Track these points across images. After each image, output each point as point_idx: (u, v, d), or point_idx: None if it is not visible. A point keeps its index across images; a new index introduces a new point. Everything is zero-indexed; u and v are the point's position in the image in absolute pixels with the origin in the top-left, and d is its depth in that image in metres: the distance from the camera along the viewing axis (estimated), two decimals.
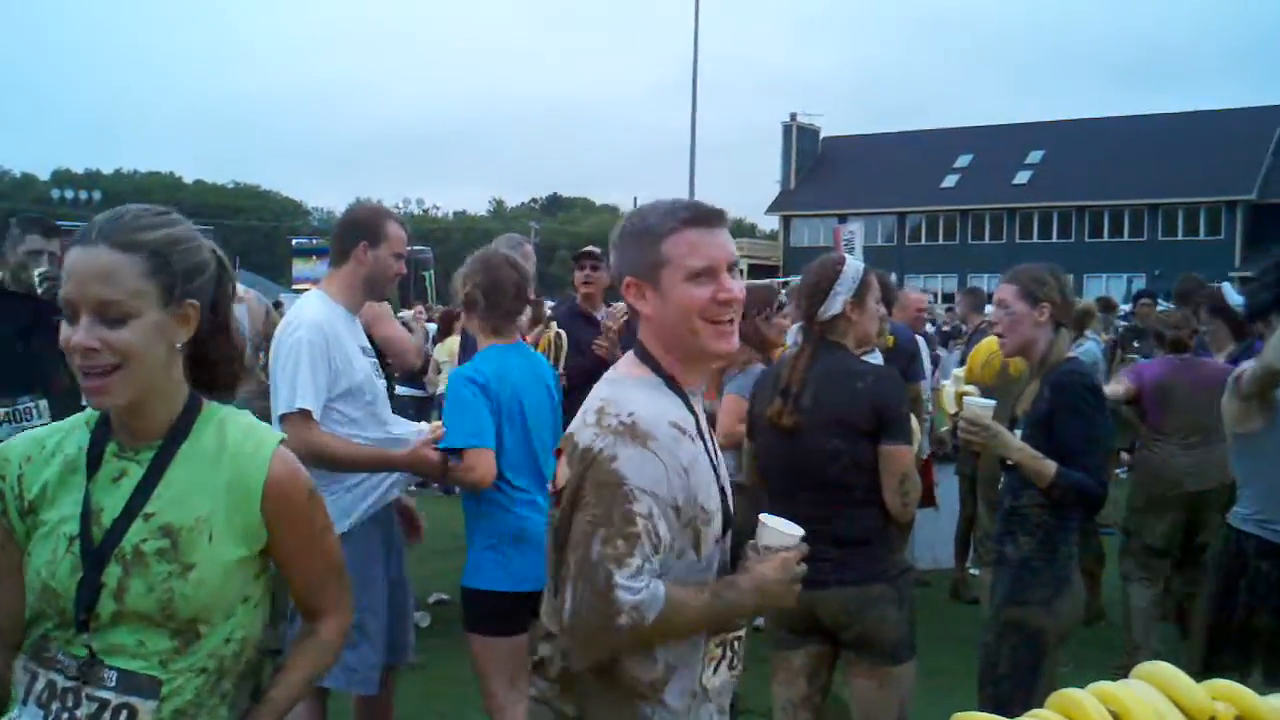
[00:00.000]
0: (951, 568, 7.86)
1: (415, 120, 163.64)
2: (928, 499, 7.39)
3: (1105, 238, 49.37)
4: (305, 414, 3.69)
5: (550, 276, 49.25)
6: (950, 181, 53.58)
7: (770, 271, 44.71)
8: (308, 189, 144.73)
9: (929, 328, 9.99)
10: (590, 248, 7.37)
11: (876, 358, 3.99)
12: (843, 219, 48.58)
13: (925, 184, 53.14)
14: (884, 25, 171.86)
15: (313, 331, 3.78)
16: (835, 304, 3.64)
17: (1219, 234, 47.30)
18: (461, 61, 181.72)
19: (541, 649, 2.20)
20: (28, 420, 4.92)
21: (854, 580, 3.48)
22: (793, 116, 58.19)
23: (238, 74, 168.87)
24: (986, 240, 51.45)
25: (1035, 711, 1.96)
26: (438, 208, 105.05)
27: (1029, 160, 52.48)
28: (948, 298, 36.14)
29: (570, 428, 2.16)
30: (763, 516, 2.25)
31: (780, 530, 2.24)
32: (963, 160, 53.90)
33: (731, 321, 2.17)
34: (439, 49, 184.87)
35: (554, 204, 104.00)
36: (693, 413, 2.21)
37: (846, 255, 3.80)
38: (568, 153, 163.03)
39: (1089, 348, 6.98)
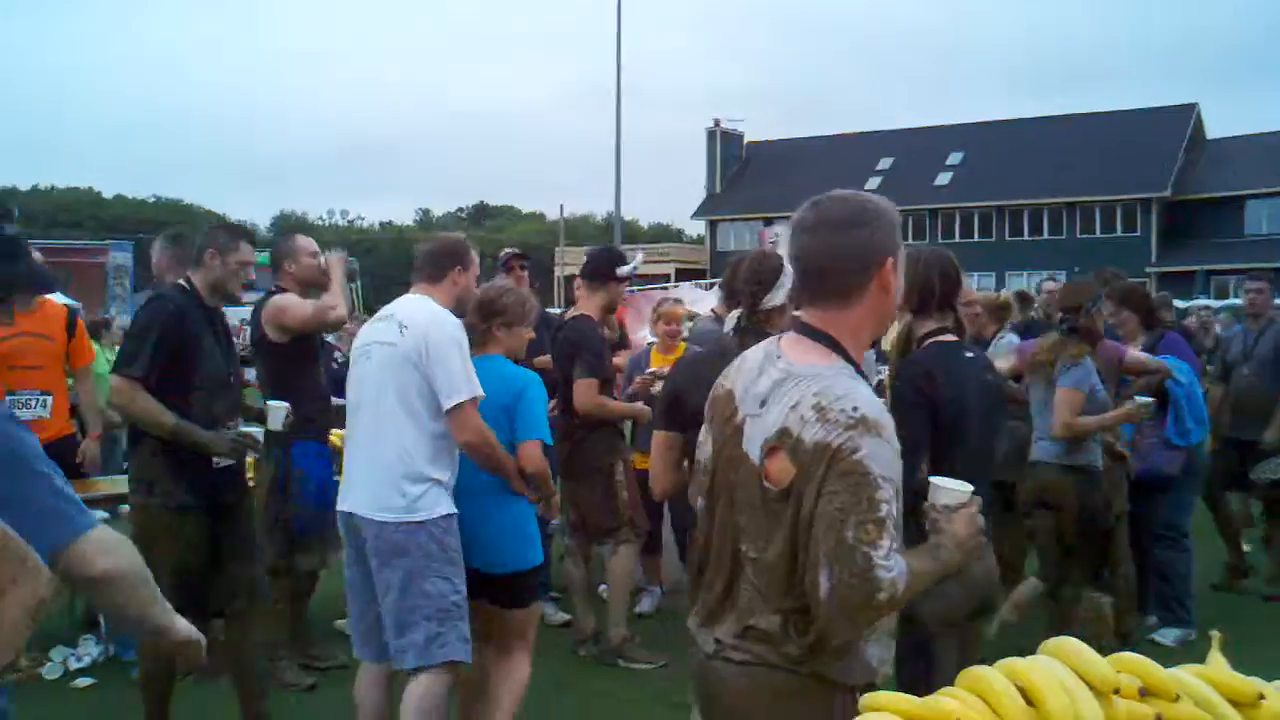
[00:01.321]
0: None
1: (340, 131, 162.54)
2: None
3: (1026, 236, 50.19)
4: (475, 401, 4.17)
5: (480, 284, 48.92)
6: (873, 184, 54.09)
7: (697, 275, 44.90)
8: (231, 202, 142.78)
9: None
10: (516, 250, 7.44)
11: None
12: (768, 222, 48.99)
13: (848, 186, 52.24)
14: (805, 32, 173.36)
15: (460, 330, 4.29)
16: (779, 295, 3.67)
17: (1135, 230, 48.27)
18: (385, 71, 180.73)
19: (767, 620, 2.30)
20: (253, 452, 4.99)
21: None
22: (716, 122, 58.51)
23: (157, 87, 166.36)
24: (910, 240, 51.65)
25: (945, 689, 2.02)
26: (363, 219, 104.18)
27: (950, 162, 53.19)
28: None
29: (781, 425, 2.25)
30: (932, 479, 2.41)
31: (953, 489, 2.42)
32: (884, 163, 54.49)
33: None
34: (362, 59, 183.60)
35: (481, 212, 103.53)
36: None
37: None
38: (494, 161, 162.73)
39: (1010, 339, 7.11)
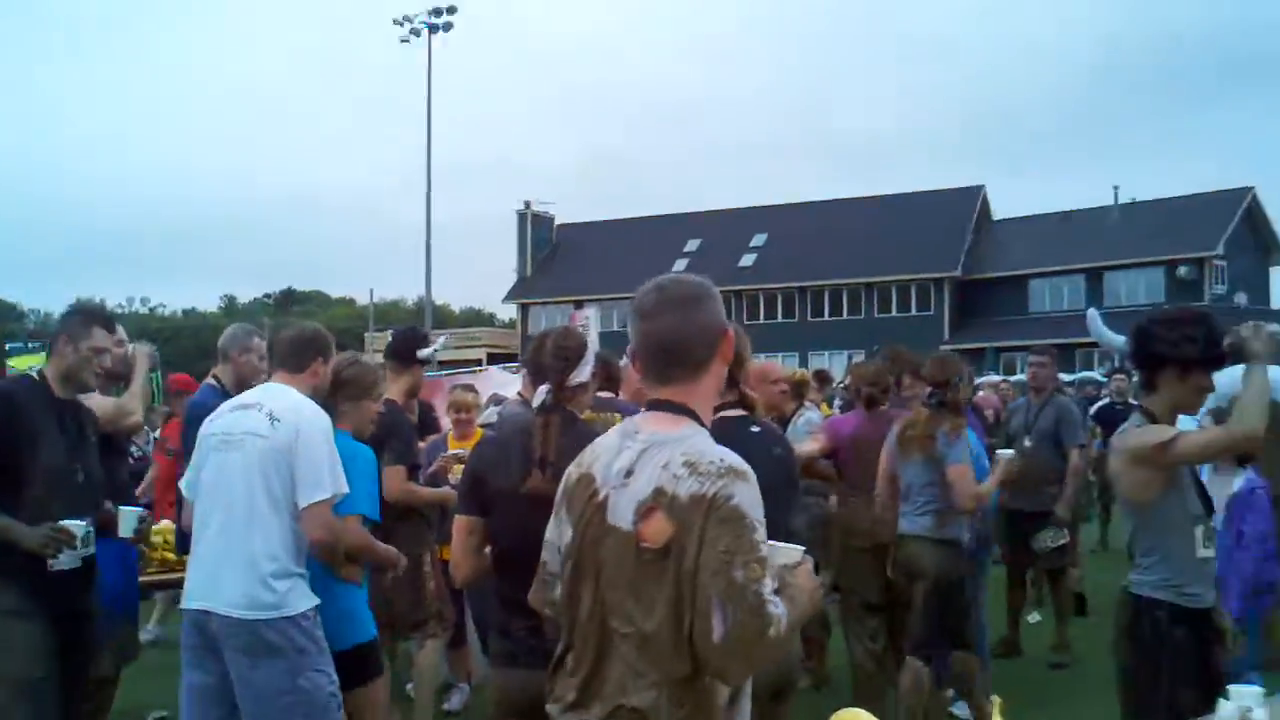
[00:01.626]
0: None
1: (141, 217, 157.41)
2: None
3: (827, 316, 51.83)
4: (335, 499, 4.14)
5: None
6: (680, 265, 54.99)
7: (509, 358, 44.82)
8: (24, 290, 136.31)
9: None
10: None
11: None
12: (579, 305, 49.29)
13: (656, 268, 52.90)
14: (610, 115, 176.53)
15: (329, 425, 4.26)
16: (584, 372, 3.68)
17: (929, 309, 50.35)
18: (186, 155, 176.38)
19: (640, 698, 2.34)
20: (88, 547, 4.42)
21: None
22: (526, 205, 58.89)
23: None
24: None
25: None
26: (164, 306, 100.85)
27: (754, 243, 54.63)
28: None
29: (655, 485, 2.36)
30: (769, 543, 2.40)
31: (788, 549, 2.53)
32: (692, 244, 55.62)
33: None
34: (163, 140, 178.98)
35: (289, 298, 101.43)
36: None
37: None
38: (301, 246, 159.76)
39: (809, 416, 7.32)
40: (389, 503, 5.84)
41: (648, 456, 2.43)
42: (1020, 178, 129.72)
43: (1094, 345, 41.23)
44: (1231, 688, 3.25)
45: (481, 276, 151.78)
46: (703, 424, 2.49)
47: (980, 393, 11.48)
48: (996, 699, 2.49)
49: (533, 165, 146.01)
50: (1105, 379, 19.32)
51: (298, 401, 4.28)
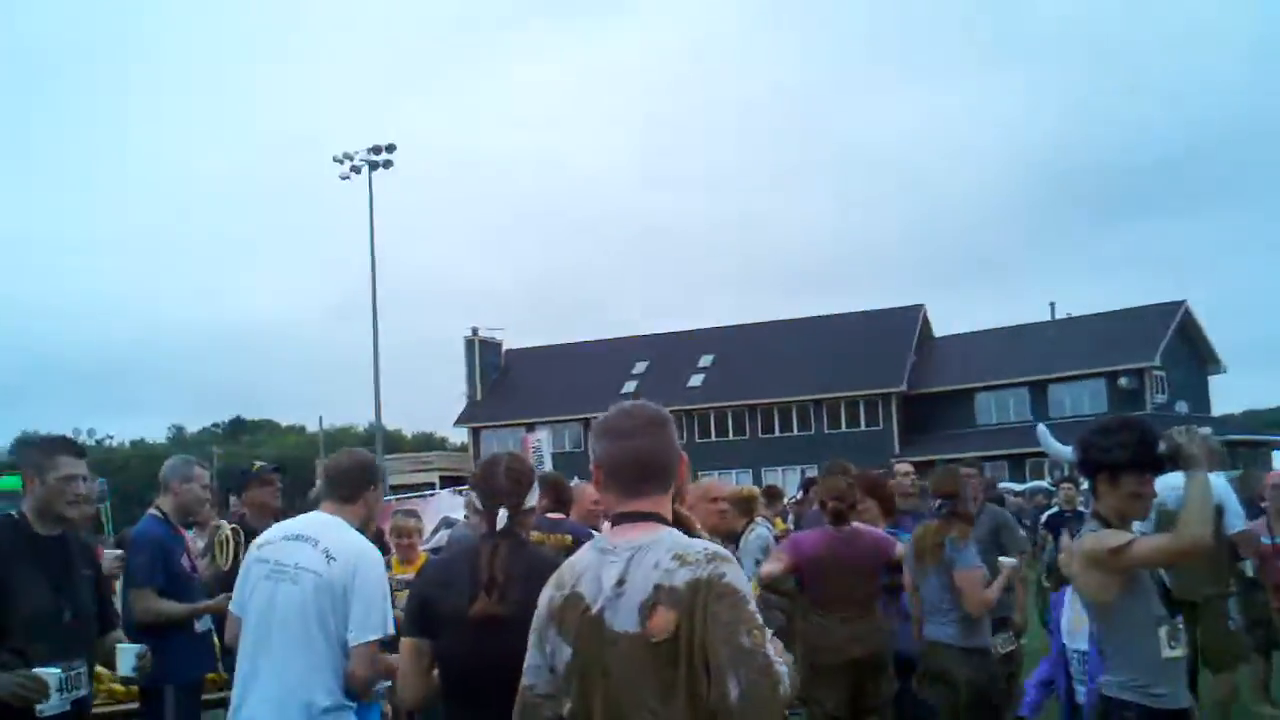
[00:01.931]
0: None
1: (84, 348, 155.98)
2: None
3: (777, 433, 52.09)
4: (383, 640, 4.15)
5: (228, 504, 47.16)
6: (629, 387, 55.41)
7: (461, 481, 44.54)
8: None
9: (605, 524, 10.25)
10: (268, 464, 7.26)
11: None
12: (530, 428, 49.26)
13: (606, 390, 54.50)
14: (555, 239, 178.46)
15: (382, 564, 4.36)
16: (533, 497, 3.74)
17: (877, 424, 50.80)
18: (130, 286, 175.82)
19: None
20: (77, 689, 4.27)
21: None
22: (474, 331, 59.12)
23: None
24: None
25: None
26: (111, 437, 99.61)
27: (701, 364, 55.08)
28: None
29: (654, 583, 2.60)
30: None
31: None
32: (640, 366, 56.00)
33: None
34: (103, 272, 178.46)
35: (238, 428, 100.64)
36: None
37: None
38: (250, 375, 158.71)
39: (760, 532, 7.38)
40: None
41: (636, 563, 2.66)
42: (957, 296, 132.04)
43: (1043, 455, 41.73)
44: None
45: (432, 401, 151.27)
46: (680, 523, 2.80)
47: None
48: None
49: (479, 289, 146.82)
50: (1054, 488, 19.57)
51: (353, 540, 4.26)
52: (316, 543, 4.23)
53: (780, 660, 2.52)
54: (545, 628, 2.80)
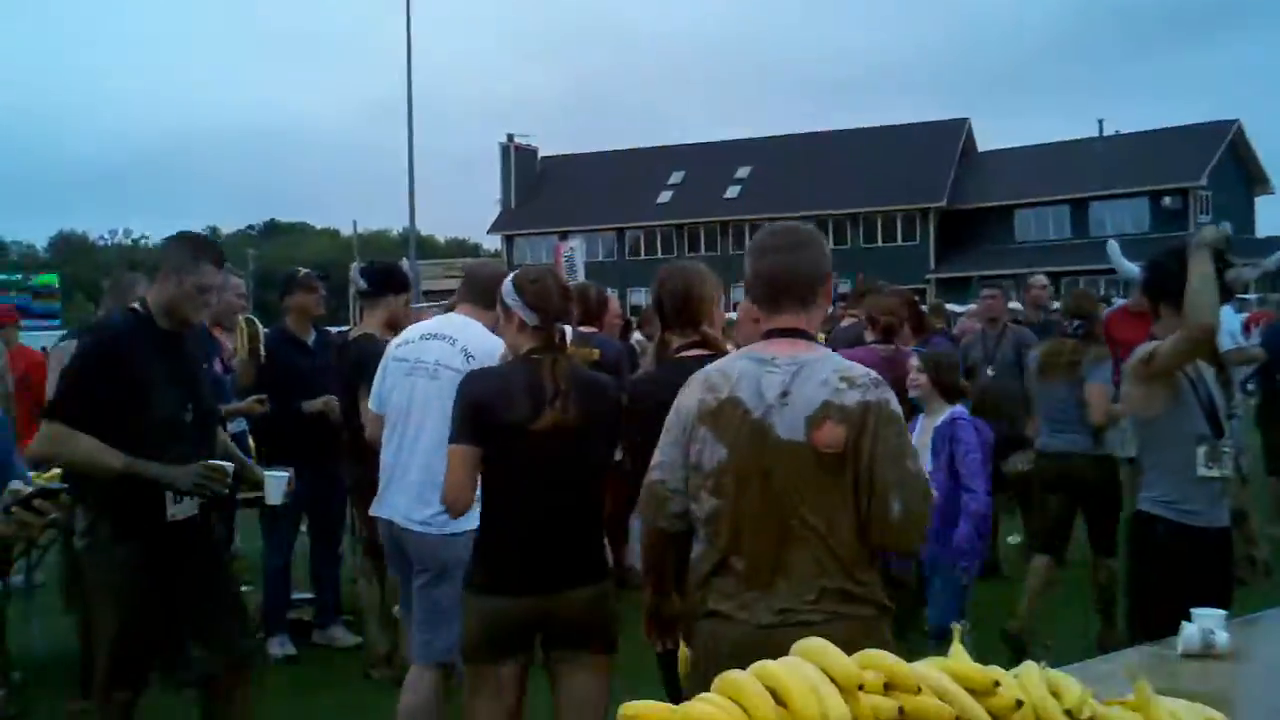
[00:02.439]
0: None
1: (120, 148, 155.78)
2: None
3: None
4: None
5: (274, 304, 47.67)
6: (665, 197, 55.00)
7: None
8: (4, 225, 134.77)
9: (637, 336, 10.26)
10: (311, 270, 7.21)
11: None
12: (563, 236, 49.14)
13: (641, 200, 54.41)
14: (592, 44, 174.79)
15: None
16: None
17: (915, 239, 50.36)
18: (166, 86, 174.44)
19: (834, 579, 2.82)
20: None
21: (595, 578, 3.66)
22: (510, 137, 58.47)
23: None
24: (703, 253, 53.02)
25: (703, 695, 2.07)
26: (147, 237, 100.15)
27: (738, 175, 54.44)
28: None
29: (822, 399, 2.81)
30: None
31: None
32: (676, 176, 55.43)
33: None
34: (140, 72, 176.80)
35: (273, 229, 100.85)
36: None
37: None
38: (285, 177, 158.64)
39: None
40: (369, 439, 5.82)
41: (801, 378, 2.85)
42: (1004, 112, 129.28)
43: (1079, 274, 41.36)
44: (1195, 610, 3.29)
45: (466, 208, 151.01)
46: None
47: (963, 320, 11.51)
48: (956, 626, 2.51)
49: (516, 96, 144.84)
50: None
51: (491, 340, 4.39)
52: (455, 340, 4.54)
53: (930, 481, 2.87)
54: (694, 428, 2.94)
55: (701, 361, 3.99)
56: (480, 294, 4.62)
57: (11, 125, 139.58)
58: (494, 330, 4.39)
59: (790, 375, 2.86)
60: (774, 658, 2.15)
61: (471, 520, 3.91)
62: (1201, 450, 4.15)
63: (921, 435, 5.44)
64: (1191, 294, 3.98)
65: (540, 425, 3.54)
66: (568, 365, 3.65)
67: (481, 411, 3.62)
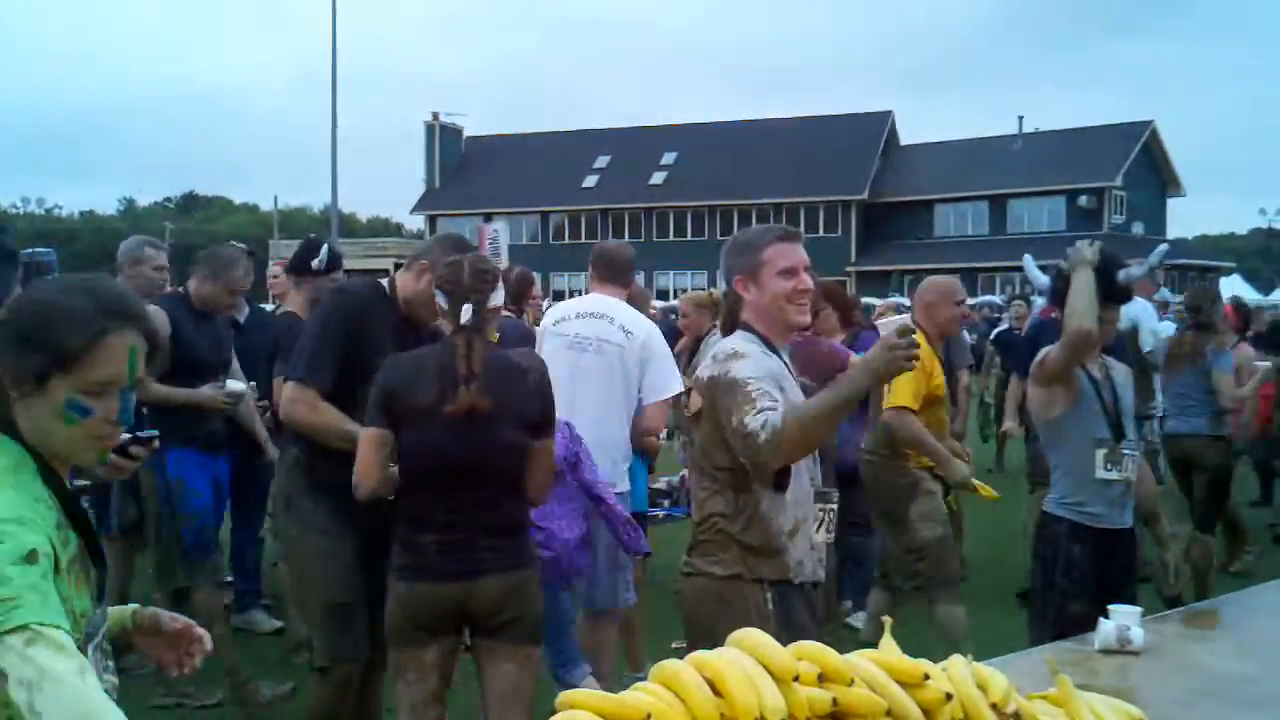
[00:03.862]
0: None
1: (30, 112, 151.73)
2: None
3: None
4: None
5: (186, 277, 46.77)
6: (591, 181, 54.91)
7: None
8: None
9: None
10: (243, 245, 7.09)
11: None
12: (488, 218, 48.87)
13: (566, 183, 54.24)
14: (521, 25, 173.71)
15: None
16: (498, 296, 3.71)
17: (836, 231, 50.78)
18: (81, 48, 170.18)
19: None
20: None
21: (512, 566, 3.62)
22: (435, 115, 57.93)
23: None
24: (627, 238, 53.11)
25: (639, 684, 2.10)
26: (60, 207, 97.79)
27: (664, 161, 54.51)
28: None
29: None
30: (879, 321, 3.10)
31: (886, 321, 3.06)
32: (602, 160, 55.34)
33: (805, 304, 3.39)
34: (55, 38, 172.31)
35: (191, 202, 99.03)
36: (785, 364, 3.38)
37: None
38: (204, 149, 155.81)
39: (716, 335, 7.39)
40: (284, 420, 5.75)
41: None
42: (926, 105, 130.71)
43: (995, 270, 42.03)
44: (1111, 606, 3.39)
45: (389, 186, 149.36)
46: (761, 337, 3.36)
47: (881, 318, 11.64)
48: (887, 619, 2.55)
49: (443, 76, 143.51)
50: (1005, 304, 19.72)
51: (641, 316, 5.40)
52: (613, 319, 5.21)
53: (758, 420, 3.07)
54: (783, 378, 3.29)
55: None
56: (617, 274, 5.40)
57: None
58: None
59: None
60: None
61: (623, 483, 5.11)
62: (1100, 453, 4.26)
63: None
64: (1069, 304, 4.19)
65: (451, 408, 3.52)
66: (481, 347, 3.61)
67: (393, 395, 3.61)
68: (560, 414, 4.38)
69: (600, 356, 5.15)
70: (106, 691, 1.75)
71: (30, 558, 1.74)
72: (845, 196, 50.42)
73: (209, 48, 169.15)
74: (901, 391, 5.33)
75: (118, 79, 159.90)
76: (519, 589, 3.64)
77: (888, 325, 3.16)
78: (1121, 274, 4.38)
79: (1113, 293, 4.32)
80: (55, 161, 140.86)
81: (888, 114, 54.56)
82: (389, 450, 3.63)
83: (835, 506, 3.53)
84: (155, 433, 2.71)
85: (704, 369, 3.30)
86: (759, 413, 3.04)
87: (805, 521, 3.32)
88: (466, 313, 3.60)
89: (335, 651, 4.12)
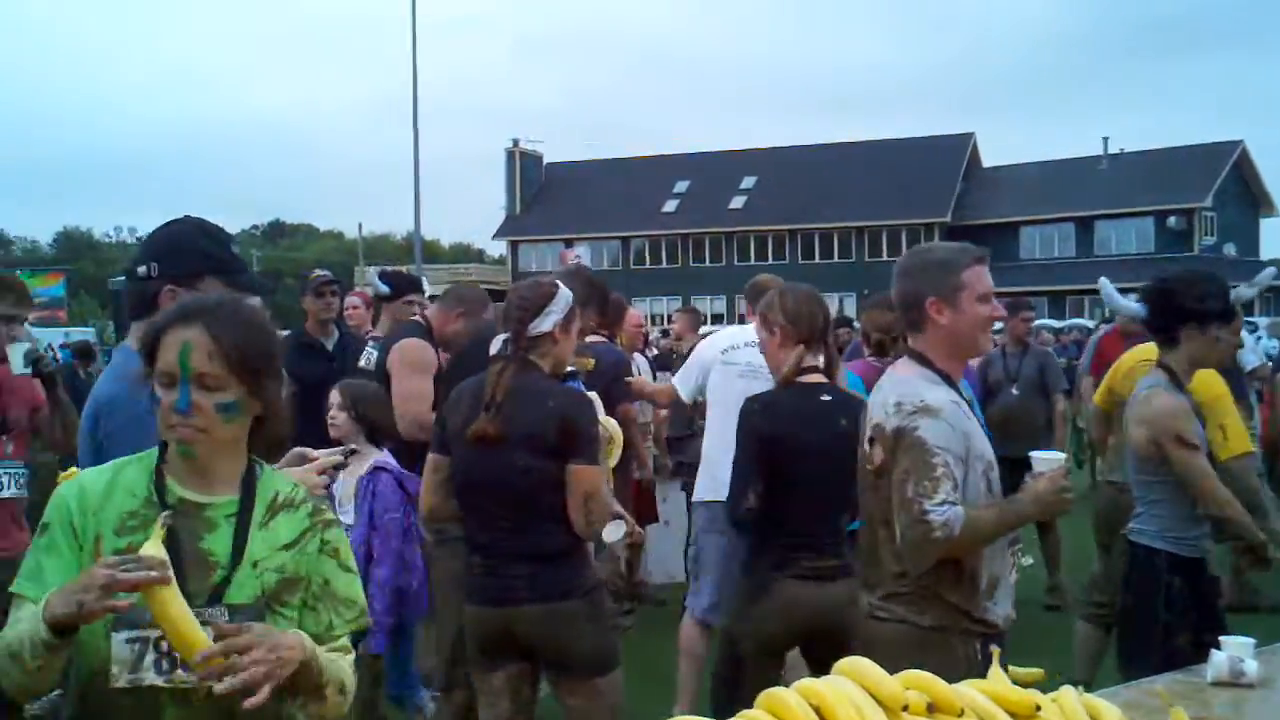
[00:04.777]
0: (683, 582, 8.04)
1: (124, 144, 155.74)
2: (652, 515, 7.60)
3: (818, 259, 51.68)
4: None
5: (275, 305, 47.63)
6: (670, 206, 54.99)
7: (499, 295, 44.66)
8: (9, 219, 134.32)
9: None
10: (327, 275, 7.17)
11: (577, 384, 4.06)
12: (569, 243, 49.17)
13: (646, 208, 54.34)
14: (600, 55, 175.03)
15: None
16: (545, 323, 3.67)
17: None
18: (173, 82, 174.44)
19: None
20: None
21: (546, 597, 3.56)
22: (515, 143, 58.41)
23: None
24: (707, 263, 53.06)
25: (745, 712, 2.06)
26: None
27: (743, 186, 54.39)
28: (669, 319, 36.98)
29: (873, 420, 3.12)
30: (1032, 454, 3.17)
31: (1046, 458, 3.12)
32: (681, 185, 55.37)
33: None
34: (148, 68, 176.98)
35: (277, 230, 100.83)
36: (963, 396, 3.19)
37: (559, 282, 3.82)
38: (289, 178, 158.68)
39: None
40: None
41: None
42: (1009, 127, 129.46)
43: (1083, 293, 41.32)
44: (1224, 639, 3.29)
45: (471, 212, 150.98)
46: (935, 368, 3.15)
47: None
48: (995, 649, 2.50)
49: (522, 103, 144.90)
50: (1095, 326, 19.38)
51: None
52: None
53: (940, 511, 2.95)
54: (971, 434, 3.16)
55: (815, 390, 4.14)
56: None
57: (15, 118, 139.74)
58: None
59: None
60: None
61: None
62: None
63: (343, 488, 4.78)
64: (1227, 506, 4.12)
65: (469, 433, 3.57)
66: (511, 373, 3.60)
67: (441, 421, 3.82)
68: (715, 436, 4.54)
69: (757, 382, 4.99)
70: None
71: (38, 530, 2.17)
72: (928, 219, 49.91)
73: (296, 82, 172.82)
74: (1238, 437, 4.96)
75: (202, 110, 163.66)
76: (558, 620, 3.57)
77: (1048, 462, 3.08)
78: (1232, 294, 4.32)
79: (1226, 312, 4.24)
80: (148, 191, 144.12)
81: (969, 135, 54.00)
82: (444, 474, 3.73)
83: (1021, 545, 3.38)
84: (350, 448, 2.83)
85: (888, 416, 3.06)
86: (941, 504, 2.90)
87: (1004, 572, 3.19)
88: (498, 343, 3.69)
89: (457, 676, 4.18)
